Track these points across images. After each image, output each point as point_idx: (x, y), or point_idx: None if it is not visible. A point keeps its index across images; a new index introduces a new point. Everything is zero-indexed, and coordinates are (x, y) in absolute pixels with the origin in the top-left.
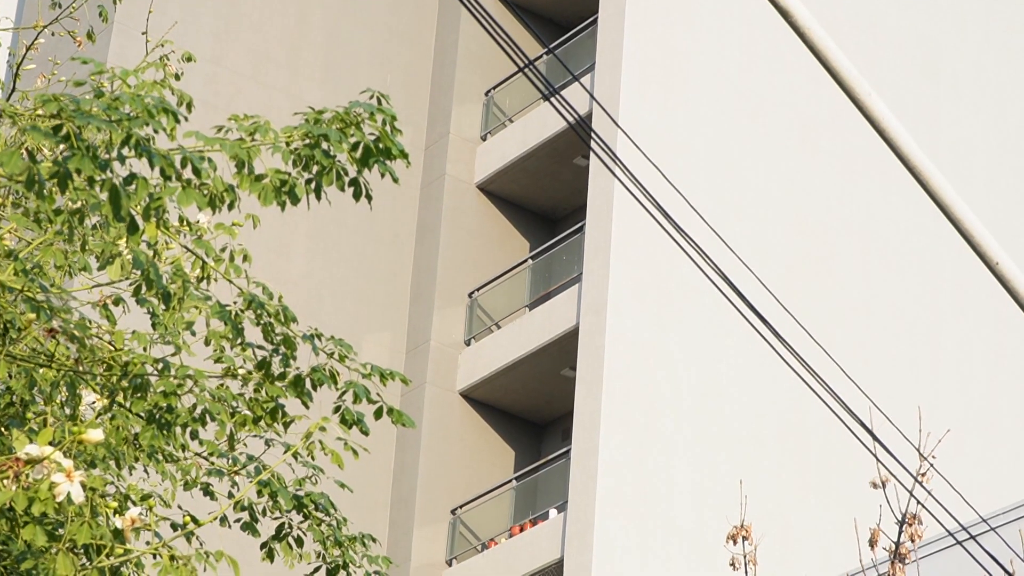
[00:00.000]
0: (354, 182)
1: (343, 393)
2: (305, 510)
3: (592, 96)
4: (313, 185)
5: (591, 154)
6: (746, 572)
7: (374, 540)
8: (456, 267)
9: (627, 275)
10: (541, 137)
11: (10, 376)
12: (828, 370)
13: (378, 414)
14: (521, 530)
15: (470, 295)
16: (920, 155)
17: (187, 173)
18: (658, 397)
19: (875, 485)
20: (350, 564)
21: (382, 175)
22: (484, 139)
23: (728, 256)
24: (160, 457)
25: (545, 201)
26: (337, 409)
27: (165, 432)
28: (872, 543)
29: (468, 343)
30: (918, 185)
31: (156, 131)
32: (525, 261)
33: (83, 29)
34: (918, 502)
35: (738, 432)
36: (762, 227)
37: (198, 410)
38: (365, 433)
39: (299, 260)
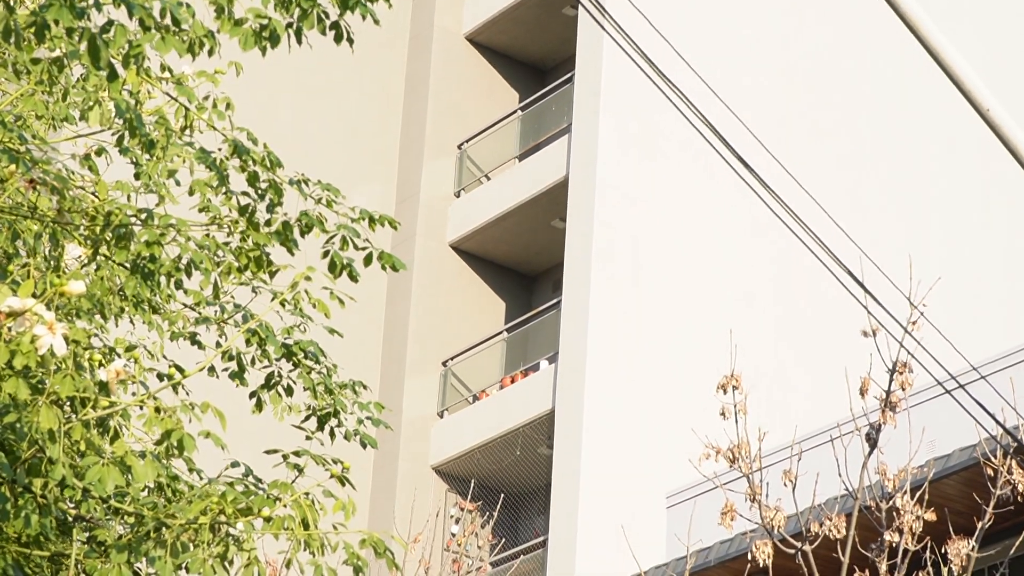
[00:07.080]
0: (335, 25)
1: (331, 237)
2: (295, 358)
3: None
4: (294, 28)
5: (579, 3)
6: (736, 422)
7: (365, 387)
8: (445, 119)
9: (616, 126)
10: None
11: None
12: (817, 220)
13: (368, 260)
14: (512, 381)
15: (459, 147)
16: (910, 0)
17: (166, 21)
18: (648, 247)
19: (865, 334)
20: (341, 412)
21: (363, 17)
22: None
23: (717, 106)
24: (146, 307)
25: (534, 51)
26: (326, 254)
27: (149, 282)
28: (863, 392)
29: (458, 195)
30: (908, 31)
31: None
32: (514, 112)
33: None
34: (908, 351)
35: (728, 282)
36: (750, 77)
37: (183, 260)
38: (354, 279)
39: (287, 114)
